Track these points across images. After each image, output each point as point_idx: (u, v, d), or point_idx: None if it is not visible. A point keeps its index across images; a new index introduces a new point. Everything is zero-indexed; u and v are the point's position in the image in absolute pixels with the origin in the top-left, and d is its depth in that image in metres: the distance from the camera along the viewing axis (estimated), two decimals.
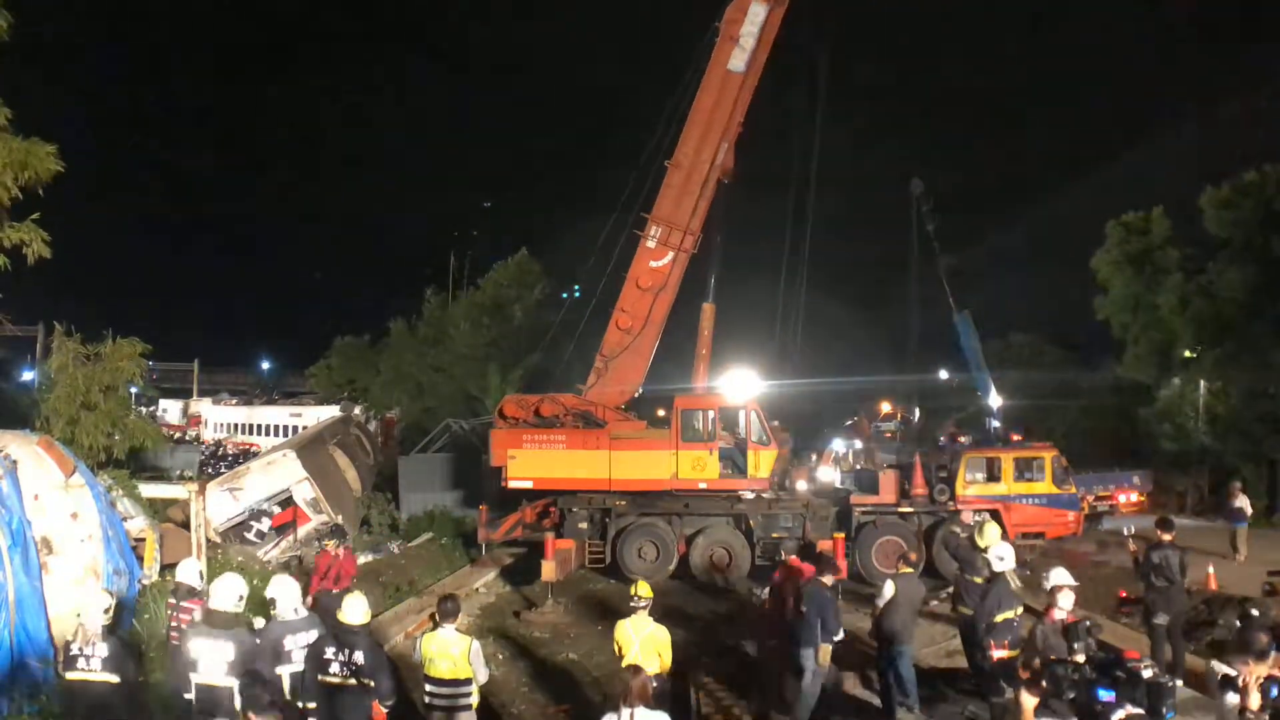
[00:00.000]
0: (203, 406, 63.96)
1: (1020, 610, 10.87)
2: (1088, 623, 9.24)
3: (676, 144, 23.77)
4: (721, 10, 23.63)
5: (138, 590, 12.87)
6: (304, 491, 23.23)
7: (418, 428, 36.26)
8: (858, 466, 26.41)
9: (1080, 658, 8.83)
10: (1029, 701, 8.89)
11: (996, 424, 30.94)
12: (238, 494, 23.00)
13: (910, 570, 12.75)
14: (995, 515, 20.55)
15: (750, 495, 22.23)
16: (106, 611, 9.01)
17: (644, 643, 10.24)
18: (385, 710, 9.13)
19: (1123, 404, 35.51)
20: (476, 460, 28.11)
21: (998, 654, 10.59)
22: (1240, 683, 8.11)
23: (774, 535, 21.99)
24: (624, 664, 10.32)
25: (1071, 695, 8.63)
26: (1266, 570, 17.91)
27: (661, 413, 25.95)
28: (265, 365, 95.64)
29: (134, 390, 21.23)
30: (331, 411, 40.86)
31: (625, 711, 7.46)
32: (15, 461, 11.45)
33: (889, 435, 42.34)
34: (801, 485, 23.58)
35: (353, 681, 8.77)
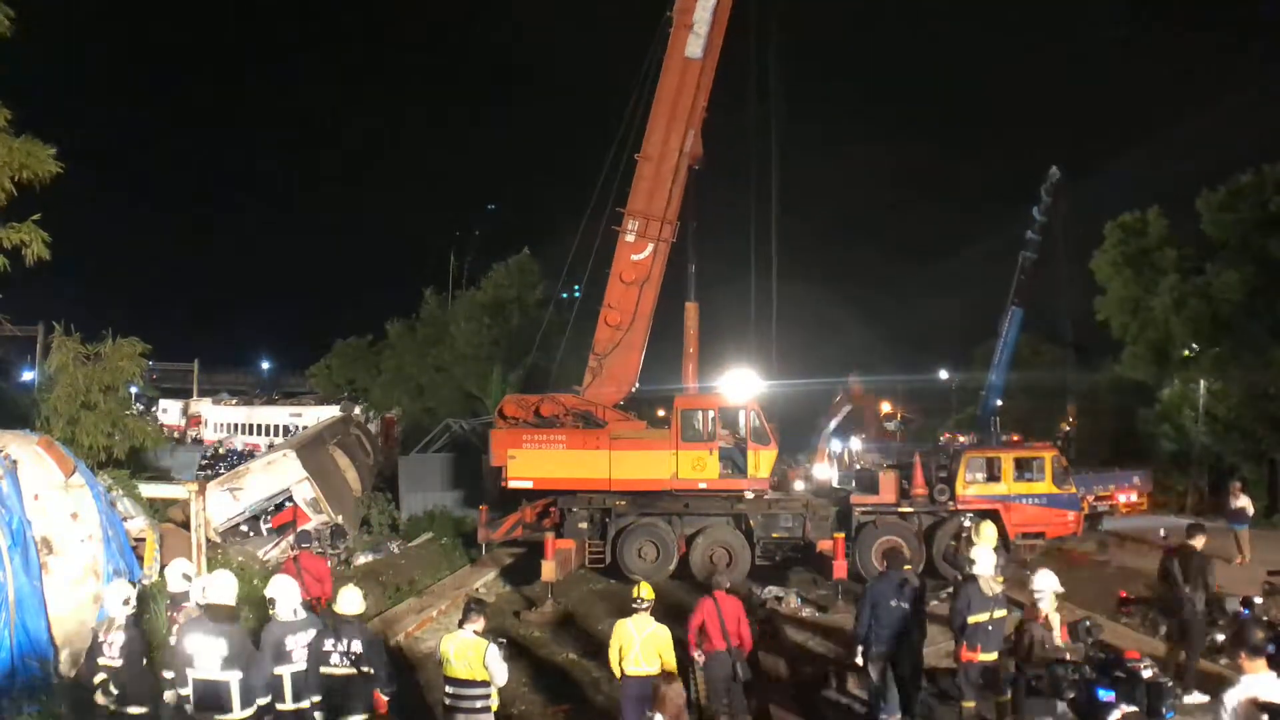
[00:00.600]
0: (203, 406, 64.00)
1: (1002, 613, 10.76)
2: (1088, 623, 9.26)
3: (644, 136, 23.78)
4: None
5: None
6: (304, 491, 23.29)
7: (418, 427, 36.26)
8: (856, 465, 26.39)
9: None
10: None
11: (993, 422, 31.05)
12: (238, 494, 23.05)
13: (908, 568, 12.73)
14: (994, 516, 20.60)
15: (751, 495, 22.23)
16: (126, 602, 9.33)
17: (645, 642, 10.27)
18: (386, 698, 9.38)
19: (1122, 404, 35.56)
20: (477, 460, 28.13)
21: (966, 655, 10.58)
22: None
23: (774, 535, 22.02)
24: (624, 664, 10.38)
25: (1071, 695, 8.67)
26: (1267, 570, 17.92)
27: (661, 413, 25.99)
28: (265, 365, 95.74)
29: (134, 390, 21.23)
30: (332, 411, 40.87)
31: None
32: (15, 461, 11.43)
33: (888, 435, 42.41)
34: (799, 485, 23.57)
35: (353, 671, 9.08)
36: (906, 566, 12.70)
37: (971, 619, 10.51)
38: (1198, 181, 30.44)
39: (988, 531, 13.15)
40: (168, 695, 9.19)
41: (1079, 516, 22.38)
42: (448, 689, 9.58)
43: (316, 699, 9.18)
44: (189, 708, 8.82)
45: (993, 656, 10.55)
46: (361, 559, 23.05)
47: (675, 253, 24.10)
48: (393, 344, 42.88)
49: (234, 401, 64.98)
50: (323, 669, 9.18)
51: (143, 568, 13.60)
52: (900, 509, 21.93)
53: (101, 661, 9.12)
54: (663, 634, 10.40)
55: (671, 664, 10.35)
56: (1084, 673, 8.71)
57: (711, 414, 22.36)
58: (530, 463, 22.44)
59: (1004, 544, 19.56)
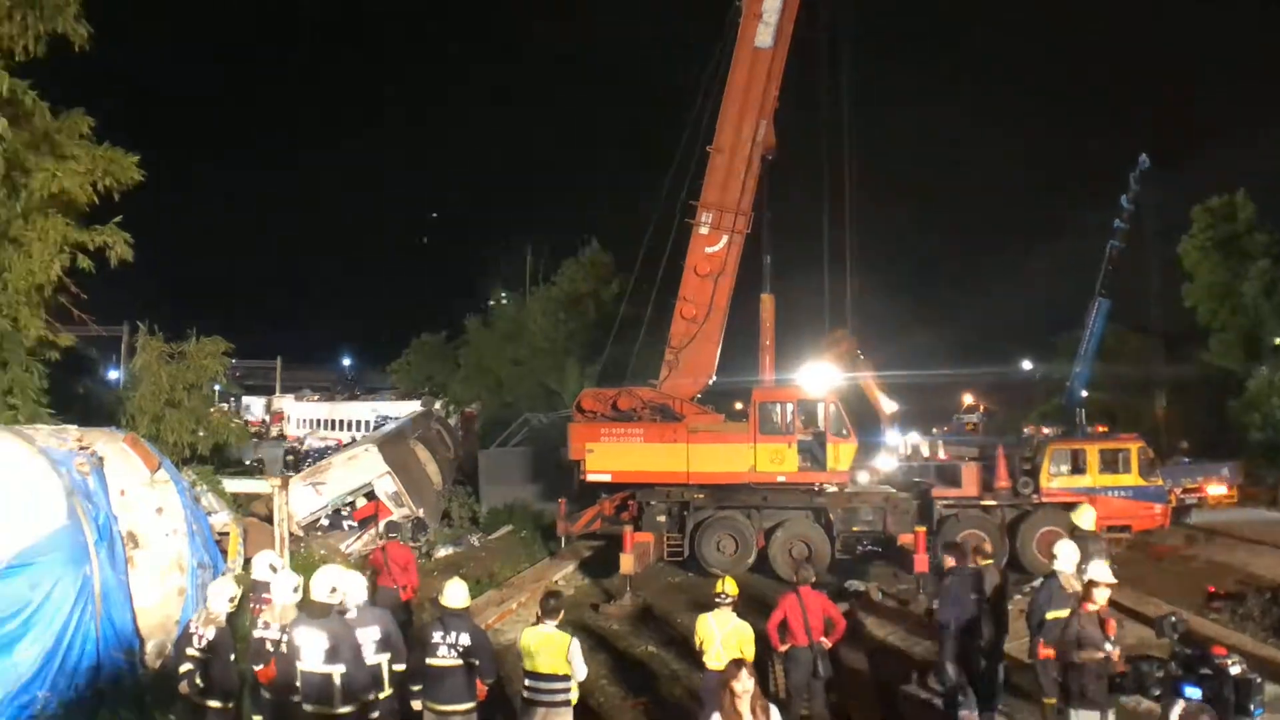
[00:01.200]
0: (285, 403, 65.25)
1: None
2: (1173, 618, 9.08)
3: (715, 128, 23.65)
4: None
5: None
6: (386, 485, 23.64)
7: (497, 422, 36.62)
8: (940, 457, 26.05)
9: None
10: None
11: (1078, 413, 30.44)
12: (320, 488, 23.48)
13: (989, 562, 12.56)
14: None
15: (831, 489, 22.11)
16: (232, 600, 9.58)
17: (726, 638, 10.25)
18: (486, 687, 9.55)
19: (1211, 393, 34.73)
20: (555, 454, 28.33)
21: (1043, 652, 10.43)
22: None
23: (854, 529, 21.86)
24: (705, 659, 10.42)
25: (1157, 693, 8.51)
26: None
27: (739, 406, 25.93)
28: (346, 362, 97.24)
29: (217, 387, 21.79)
30: (412, 407, 41.45)
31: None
32: (102, 458, 11.67)
33: (970, 428, 41.84)
34: (863, 476, 23.34)
35: (460, 662, 9.27)
36: (987, 561, 12.52)
37: (1050, 615, 10.37)
38: None
39: (1085, 514, 12.95)
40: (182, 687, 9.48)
41: (1166, 509, 21.82)
42: (527, 682, 9.67)
43: (417, 688, 9.44)
44: (297, 698, 9.14)
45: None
46: (442, 551, 23.37)
47: (750, 244, 23.96)
48: (470, 340, 43.34)
49: (316, 398, 66.20)
50: (429, 661, 9.37)
51: (227, 561, 13.91)
52: (983, 502, 21.62)
53: (189, 651, 9.34)
54: (744, 630, 10.37)
55: (751, 658, 10.38)
56: (1170, 669, 8.55)
57: (790, 406, 22.24)
58: (608, 456, 22.56)
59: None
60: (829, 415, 21.97)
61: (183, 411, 18.21)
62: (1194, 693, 7.85)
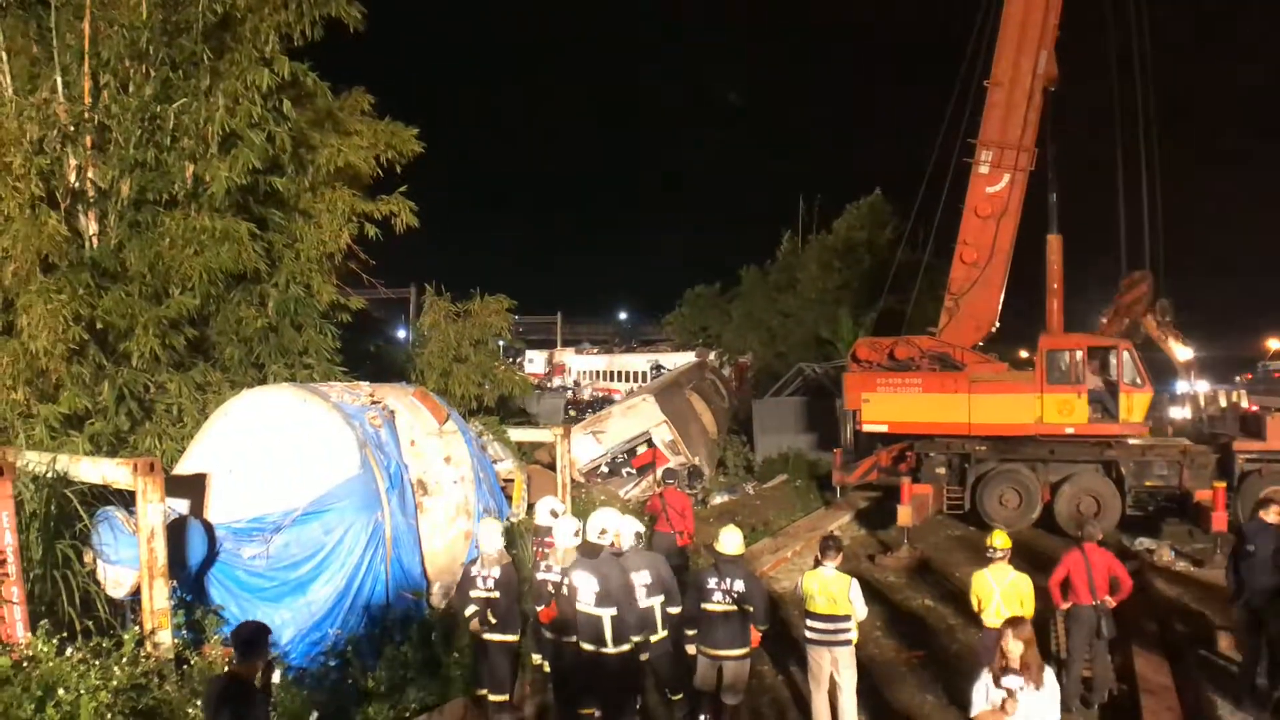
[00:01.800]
0: (566, 356, 67.75)
1: None
2: None
3: (993, 61, 22.46)
4: None
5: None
6: (662, 434, 24.14)
7: (770, 372, 36.60)
8: (1244, 408, 23.92)
9: None
10: None
11: None
12: (600, 437, 24.23)
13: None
14: None
15: (1127, 441, 20.81)
16: (503, 535, 10.04)
17: (1005, 592, 9.87)
18: (760, 633, 9.71)
19: None
20: (829, 403, 28.08)
21: None
22: None
23: (1147, 484, 20.49)
24: (983, 615, 10.03)
25: None
26: None
27: (1025, 354, 24.78)
28: (622, 315, 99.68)
29: (501, 343, 22.75)
30: (687, 357, 42.02)
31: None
32: (393, 412, 12.32)
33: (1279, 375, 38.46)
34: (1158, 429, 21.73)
35: (734, 608, 9.45)
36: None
37: None
38: None
39: None
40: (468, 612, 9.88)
41: None
42: (809, 623, 9.74)
43: (692, 632, 9.65)
44: (575, 638, 9.50)
45: None
46: (717, 499, 23.66)
47: (1034, 182, 22.67)
48: (744, 290, 43.33)
49: (595, 350, 68.30)
50: (705, 606, 9.57)
51: (511, 506, 14.49)
52: None
53: (475, 594, 9.80)
54: (1024, 583, 9.95)
55: (1030, 614, 9.98)
56: None
57: (1079, 354, 20.99)
58: (885, 406, 22.11)
59: None
60: (1122, 363, 20.60)
61: (469, 366, 19.15)
62: None
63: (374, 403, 12.17)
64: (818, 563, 9.79)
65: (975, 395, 21.23)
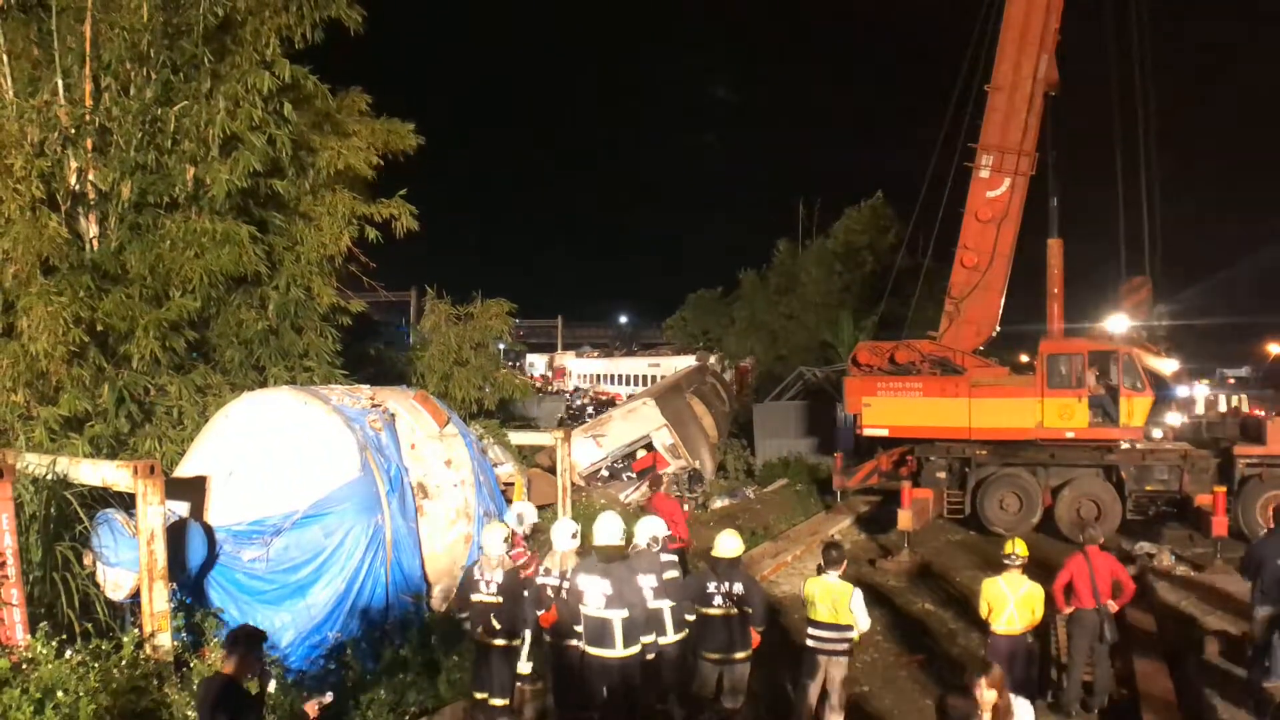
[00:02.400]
0: (566, 359, 67.76)
1: None
2: None
3: (993, 65, 22.49)
4: None
5: None
6: (663, 438, 24.13)
7: (771, 375, 36.64)
8: (1238, 411, 23.91)
9: None
10: None
11: None
12: (600, 440, 24.22)
13: None
14: None
15: (1124, 445, 20.79)
16: (506, 540, 9.91)
17: (1020, 601, 9.90)
18: (759, 635, 9.72)
19: None
20: (830, 407, 28.11)
21: None
22: None
23: (1148, 488, 20.48)
24: (994, 623, 10.02)
25: None
26: None
27: (1025, 358, 24.78)
28: (623, 319, 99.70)
29: (501, 346, 22.76)
30: (688, 361, 42.05)
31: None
32: (394, 415, 12.27)
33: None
34: (1156, 432, 21.73)
35: (734, 611, 9.48)
36: None
37: None
38: None
39: None
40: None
41: None
42: (810, 630, 9.75)
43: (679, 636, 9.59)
44: (579, 643, 9.44)
45: None
46: (718, 503, 23.64)
47: (1034, 186, 22.72)
48: (744, 294, 43.39)
49: (595, 354, 68.30)
50: (704, 609, 9.58)
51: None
52: None
53: (477, 598, 9.72)
54: (1037, 592, 10.01)
55: (1038, 621, 10.10)
56: None
57: (1080, 359, 20.98)
58: (886, 410, 22.09)
59: None
60: (1122, 367, 20.60)
61: (470, 369, 19.13)
62: None
63: (374, 406, 12.13)
64: (821, 569, 9.79)
65: (976, 399, 21.22)
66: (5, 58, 13.18)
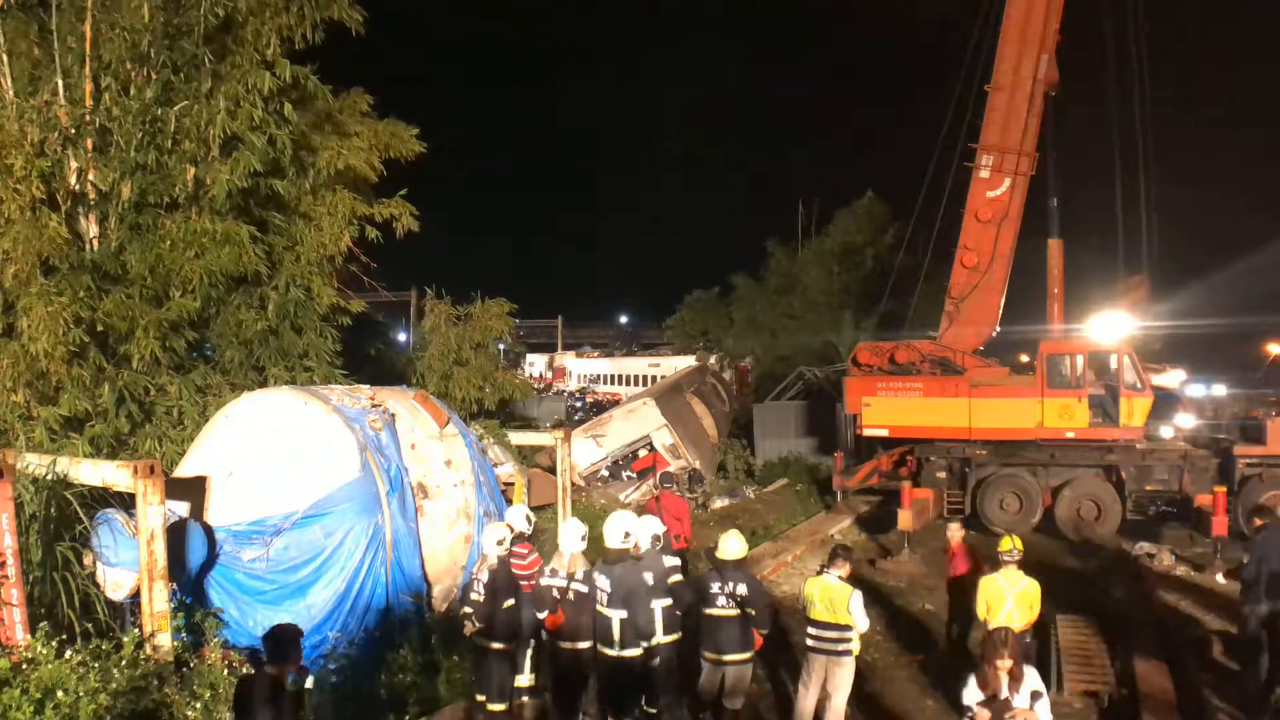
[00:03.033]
0: (566, 359, 67.77)
1: None
2: None
3: (994, 65, 22.49)
4: None
5: None
6: (663, 438, 24.13)
7: (771, 375, 36.56)
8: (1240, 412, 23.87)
9: None
10: None
11: None
12: (601, 440, 24.23)
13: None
14: None
15: (1124, 445, 20.78)
16: (501, 543, 9.89)
17: (1019, 598, 9.91)
18: (762, 636, 9.71)
19: None
20: (830, 407, 28.07)
21: None
22: None
23: (1148, 488, 20.48)
24: (991, 620, 10.00)
25: None
26: None
27: (1025, 358, 24.77)
28: (623, 319, 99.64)
29: (501, 346, 22.76)
30: (688, 361, 42.02)
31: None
32: (394, 415, 12.28)
33: None
34: (1166, 432, 21.73)
35: (736, 612, 9.44)
36: None
37: None
38: None
39: None
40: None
41: None
42: (810, 630, 9.72)
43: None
44: (579, 643, 9.46)
45: None
46: (718, 503, 23.62)
47: (1034, 187, 22.73)
48: (741, 296, 43.28)
49: (595, 354, 68.30)
50: (707, 610, 9.56)
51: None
52: None
53: (472, 596, 9.74)
54: (1034, 588, 10.01)
55: (1035, 617, 10.11)
56: None
57: (1080, 359, 20.99)
58: (886, 410, 22.09)
59: None
60: (1122, 367, 20.58)
61: (470, 369, 19.13)
62: None
63: (374, 406, 12.13)
64: (823, 568, 9.78)
65: (976, 399, 21.22)
66: (5, 57, 13.19)
